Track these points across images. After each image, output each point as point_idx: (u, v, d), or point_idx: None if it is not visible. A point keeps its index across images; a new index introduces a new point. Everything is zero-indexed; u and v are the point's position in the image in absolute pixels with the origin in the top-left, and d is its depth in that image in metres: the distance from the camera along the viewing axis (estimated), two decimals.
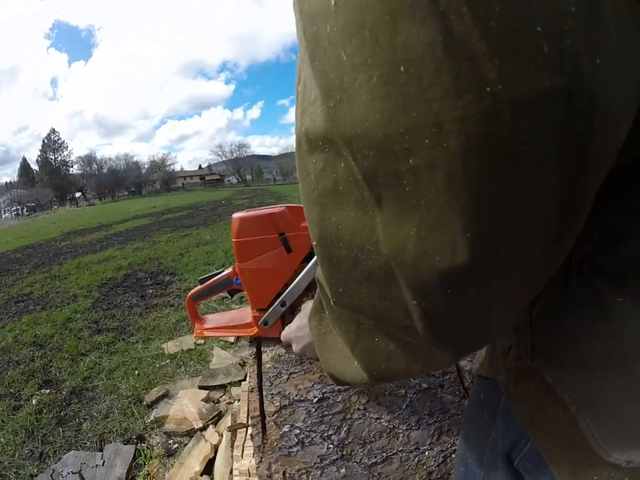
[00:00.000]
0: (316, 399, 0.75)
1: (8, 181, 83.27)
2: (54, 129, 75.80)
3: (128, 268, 5.83)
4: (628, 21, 0.20)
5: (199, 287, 0.95)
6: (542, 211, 0.22)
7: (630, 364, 0.31)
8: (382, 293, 0.28)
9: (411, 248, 0.23)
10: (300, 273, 0.77)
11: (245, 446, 1.10)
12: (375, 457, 0.72)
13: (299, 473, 0.71)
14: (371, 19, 0.19)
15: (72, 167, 75.25)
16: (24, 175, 77.06)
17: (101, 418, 2.27)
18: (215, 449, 1.72)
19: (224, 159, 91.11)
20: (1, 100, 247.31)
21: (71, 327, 3.74)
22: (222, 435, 1.76)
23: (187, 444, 1.89)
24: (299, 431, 0.73)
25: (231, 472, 1.22)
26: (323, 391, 0.76)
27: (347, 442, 0.72)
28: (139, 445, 1.98)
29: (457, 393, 0.78)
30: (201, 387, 2.36)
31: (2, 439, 2.16)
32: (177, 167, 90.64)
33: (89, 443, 2.08)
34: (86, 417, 2.31)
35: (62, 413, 2.36)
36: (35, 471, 1.91)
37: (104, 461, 1.83)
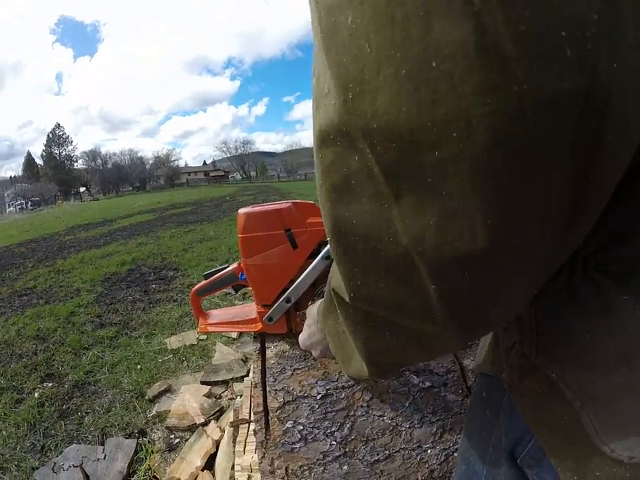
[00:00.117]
0: (319, 396, 0.75)
1: (12, 175, 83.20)
2: (59, 124, 76.17)
3: (131, 263, 5.84)
4: None
5: (204, 282, 0.95)
6: (554, 206, 0.23)
7: (633, 361, 0.32)
8: (401, 281, 0.29)
9: (430, 236, 0.24)
10: (306, 269, 0.77)
11: (247, 441, 1.11)
12: (378, 455, 0.72)
13: (302, 469, 0.71)
14: (403, 14, 0.20)
15: (76, 161, 75.49)
16: (28, 170, 77.16)
17: (102, 412, 2.28)
18: (217, 444, 1.73)
19: (228, 155, 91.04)
20: (6, 94, 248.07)
21: (74, 321, 3.75)
22: (224, 431, 1.77)
23: (188, 439, 1.90)
24: (302, 427, 0.73)
25: (233, 467, 1.22)
26: (327, 387, 0.76)
27: (349, 439, 0.72)
28: (141, 439, 1.99)
29: (460, 391, 0.78)
30: (203, 382, 2.37)
31: (4, 432, 2.17)
32: (181, 163, 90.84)
33: (90, 436, 2.09)
34: (88, 410, 2.32)
35: (64, 407, 2.37)
36: (37, 463, 1.91)
37: (105, 455, 1.84)
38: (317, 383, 0.77)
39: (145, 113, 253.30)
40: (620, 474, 0.34)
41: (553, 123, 0.20)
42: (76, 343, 3.19)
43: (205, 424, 1.97)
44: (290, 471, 0.71)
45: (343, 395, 0.75)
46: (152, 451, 1.90)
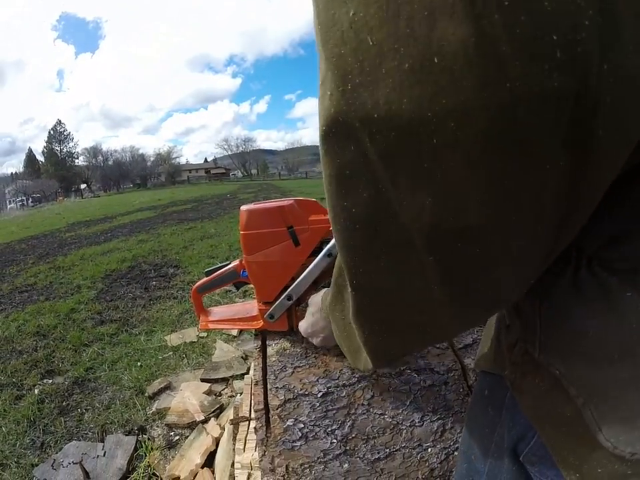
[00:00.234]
0: (320, 394, 0.75)
1: (13, 172, 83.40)
2: (60, 121, 75.98)
3: (132, 260, 5.85)
4: None
5: (205, 279, 0.95)
6: (545, 197, 0.25)
7: (637, 356, 0.32)
8: (400, 259, 0.30)
9: (427, 215, 0.26)
10: (307, 266, 0.77)
11: (248, 439, 1.11)
12: (378, 453, 0.72)
13: (302, 467, 0.71)
14: (408, 11, 0.21)
15: (77, 158, 75.41)
16: (29, 166, 77.19)
17: (102, 409, 2.28)
18: (217, 441, 1.73)
19: (229, 152, 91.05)
20: (7, 91, 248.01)
21: (74, 317, 3.76)
22: (223, 428, 1.77)
23: (188, 436, 1.90)
24: (302, 425, 0.73)
25: (233, 465, 1.22)
26: (328, 385, 0.76)
27: (350, 437, 0.72)
28: (140, 436, 2.00)
29: (461, 390, 0.78)
30: (203, 380, 2.37)
31: (4, 428, 2.18)
32: (183, 160, 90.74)
33: (90, 433, 2.09)
34: (88, 407, 2.33)
35: (64, 403, 2.38)
36: (36, 460, 1.92)
37: (105, 452, 1.84)
38: (317, 380, 0.77)
39: (146, 110, 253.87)
40: (622, 470, 0.34)
41: (543, 119, 0.21)
42: (76, 340, 3.20)
43: (205, 421, 1.97)
44: (290, 469, 0.71)
45: (344, 393, 0.75)
46: (152, 448, 1.90)
